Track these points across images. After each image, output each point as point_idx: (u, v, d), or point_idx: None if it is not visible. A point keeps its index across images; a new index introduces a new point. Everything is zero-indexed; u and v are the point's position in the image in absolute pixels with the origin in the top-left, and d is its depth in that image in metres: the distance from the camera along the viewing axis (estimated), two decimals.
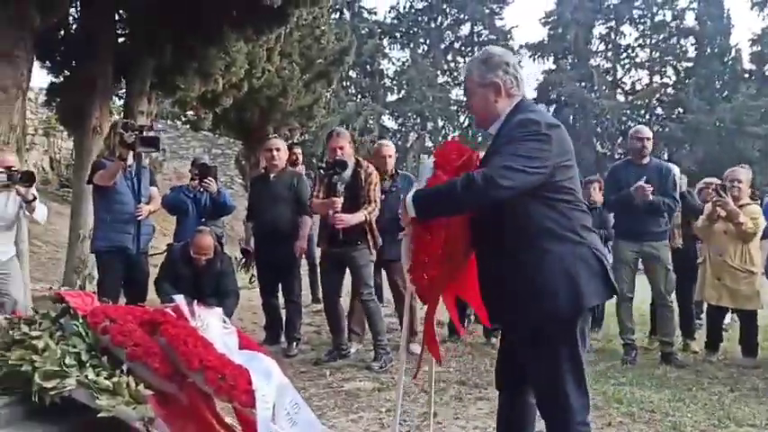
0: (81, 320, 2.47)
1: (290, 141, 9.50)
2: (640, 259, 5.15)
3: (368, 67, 34.91)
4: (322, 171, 4.86)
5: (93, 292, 3.47)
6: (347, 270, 4.87)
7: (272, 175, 5.21)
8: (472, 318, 6.46)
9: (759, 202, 5.70)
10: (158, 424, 2.42)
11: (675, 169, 5.33)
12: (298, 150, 6.57)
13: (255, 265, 5.38)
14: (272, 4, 5.35)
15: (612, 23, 35.11)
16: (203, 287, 4.85)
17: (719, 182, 5.20)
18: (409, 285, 2.55)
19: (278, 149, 5.18)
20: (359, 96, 34.67)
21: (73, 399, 2.28)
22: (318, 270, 5.65)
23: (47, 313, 2.51)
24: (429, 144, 36.07)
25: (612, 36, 35.45)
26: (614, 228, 5.33)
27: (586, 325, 2.29)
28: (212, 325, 2.71)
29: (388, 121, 36.52)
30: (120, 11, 6.86)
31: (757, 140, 28.09)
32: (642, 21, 34.53)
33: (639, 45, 35.19)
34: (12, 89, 5.40)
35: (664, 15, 34.01)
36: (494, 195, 2.10)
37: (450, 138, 37.13)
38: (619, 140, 33.43)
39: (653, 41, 34.78)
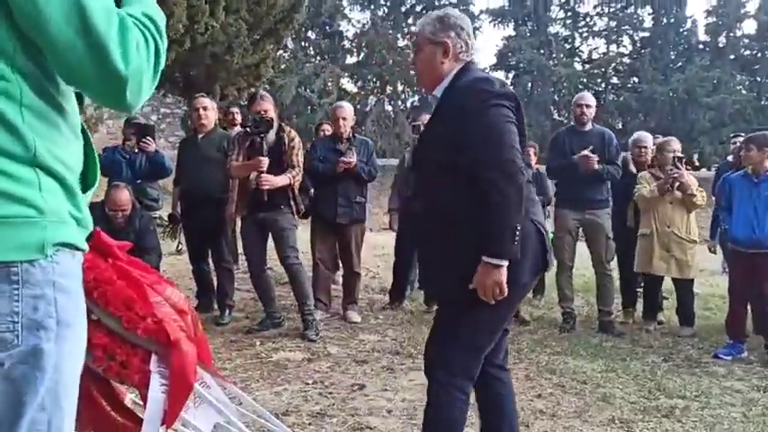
0: None
1: (228, 101, 9.13)
2: (581, 227, 5.10)
3: (327, 27, 34.21)
4: (248, 130, 4.61)
5: None
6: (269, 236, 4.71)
7: (200, 136, 4.97)
8: (415, 285, 6.37)
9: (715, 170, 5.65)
10: None
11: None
12: (235, 110, 6.28)
13: (183, 230, 5.14)
14: None
15: None
16: None
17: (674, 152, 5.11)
18: None
19: (205, 108, 4.93)
20: (318, 58, 33.98)
21: None
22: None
23: None
24: (389, 108, 35.74)
25: (571, 3, 35.40)
26: (556, 195, 5.25)
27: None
28: None
29: (348, 84, 35.98)
30: None
31: (708, 111, 28.59)
32: None
33: (597, 14, 35.25)
34: None
35: None
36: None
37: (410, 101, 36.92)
38: None
39: (611, 10, 34.87)
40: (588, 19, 35.35)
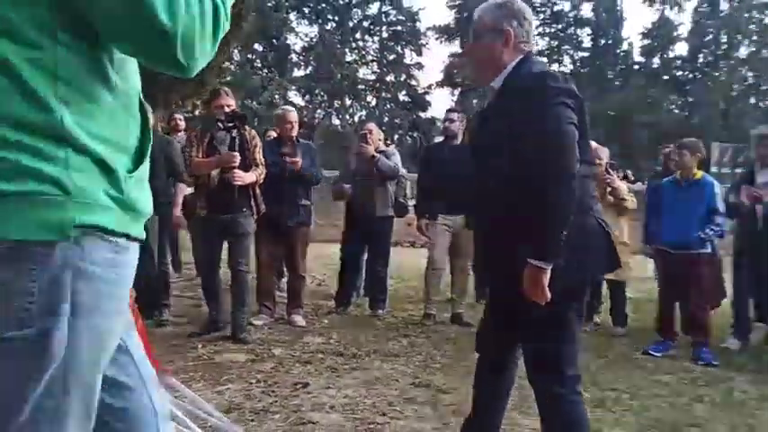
0: None
1: (171, 108, 9.02)
2: None
3: (274, 41, 34.06)
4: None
5: None
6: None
7: None
8: (361, 291, 6.42)
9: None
10: None
11: None
12: (179, 116, 6.24)
13: None
14: None
15: None
16: None
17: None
18: None
19: None
20: (264, 70, 33.76)
21: None
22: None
23: None
24: (336, 122, 35.79)
25: None
26: None
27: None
28: None
29: (295, 98, 35.83)
30: None
31: (645, 129, 29.69)
32: (543, 9, 35.56)
33: (539, 33, 36.24)
34: None
35: (563, 5, 35.16)
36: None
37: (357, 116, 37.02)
38: None
39: (552, 30, 35.93)
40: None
